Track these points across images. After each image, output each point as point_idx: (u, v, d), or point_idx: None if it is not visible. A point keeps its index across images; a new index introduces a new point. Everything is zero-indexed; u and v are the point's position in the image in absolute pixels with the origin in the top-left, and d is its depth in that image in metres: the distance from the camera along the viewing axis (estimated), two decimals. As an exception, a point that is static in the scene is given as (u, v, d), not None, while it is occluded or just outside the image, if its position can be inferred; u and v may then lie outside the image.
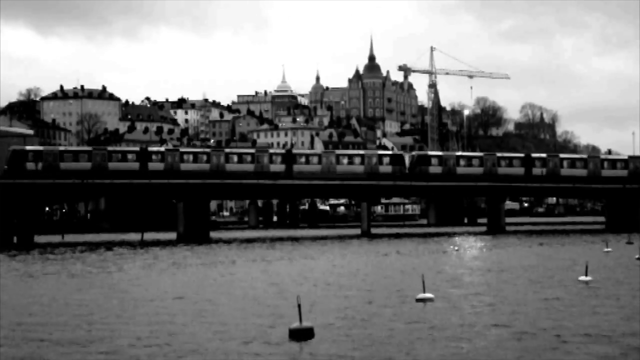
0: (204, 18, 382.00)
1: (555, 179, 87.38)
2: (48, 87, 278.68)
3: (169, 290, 32.11)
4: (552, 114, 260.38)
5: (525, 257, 48.39)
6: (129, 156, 77.89)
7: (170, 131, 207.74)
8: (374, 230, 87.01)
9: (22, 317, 24.63)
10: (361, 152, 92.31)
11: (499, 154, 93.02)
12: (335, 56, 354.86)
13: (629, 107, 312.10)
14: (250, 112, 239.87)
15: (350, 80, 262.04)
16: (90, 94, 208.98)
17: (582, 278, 33.15)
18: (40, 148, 78.57)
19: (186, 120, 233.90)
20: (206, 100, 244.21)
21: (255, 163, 79.84)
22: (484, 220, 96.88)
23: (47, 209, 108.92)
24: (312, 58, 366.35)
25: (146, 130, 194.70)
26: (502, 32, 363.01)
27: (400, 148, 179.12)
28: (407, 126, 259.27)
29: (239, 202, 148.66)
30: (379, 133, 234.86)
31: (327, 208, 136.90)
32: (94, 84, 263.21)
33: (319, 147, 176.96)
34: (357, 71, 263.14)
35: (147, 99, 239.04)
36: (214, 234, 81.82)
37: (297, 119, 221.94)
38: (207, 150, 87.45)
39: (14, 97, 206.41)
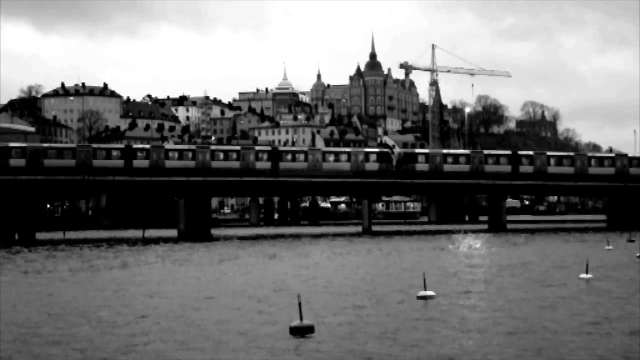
0: (205, 16, 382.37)
1: (543, 177, 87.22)
2: (49, 84, 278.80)
3: (170, 287, 32.14)
4: (553, 112, 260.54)
5: (526, 254, 48.39)
6: (114, 153, 77.53)
7: (172, 128, 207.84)
8: (375, 228, 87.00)
9: (21, 316, 24.68)
10: (347, 149, 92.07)
11: (485, 152, 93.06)
12: (336, 54, 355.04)
13: (629, 105, 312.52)
14: (251, 110, 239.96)
15: (351, 78, 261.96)
16: (91, 91, 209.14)
17: (583, 276, 33.17)
18: (24, 145, 78.16)
19: (187, 118, 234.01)
20: (207, 97, 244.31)
21: (241, 160, 79.64)
22: (485, 218, 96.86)
23: (48, 205, 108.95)
24: (313, 55, 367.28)
25: (147, 128, 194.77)
26: (503, 30, 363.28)
27: (401, 146, 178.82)
28: (408, 124, 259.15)
29: (240, 199, 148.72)
30: (380, 131, 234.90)
31: (328, 205, 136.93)
32: (95, 81, 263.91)
33: (320, 145, 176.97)
34: (358, 69, 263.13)
35: (149, 96, 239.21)
36: (215, 232, 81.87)
37: (298, 117, 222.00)
38: (193, 147, 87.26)
39: (15, 94, 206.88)
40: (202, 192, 76.75)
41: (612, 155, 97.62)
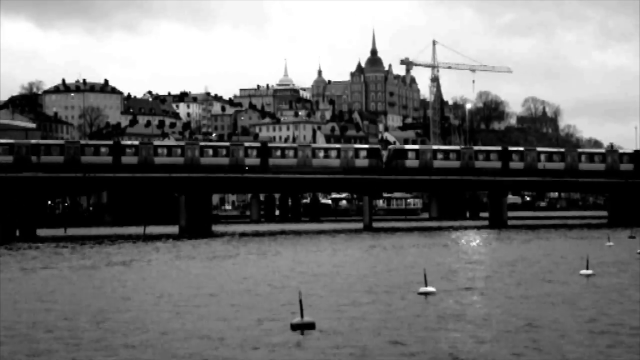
0: (204, 12, 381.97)
1: (533, 173, 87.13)
2: (49, 81, 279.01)
3: (170, 284, 32.17)
4: (554, 107, 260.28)
5: (527, 251, 48.42)
6: (102, 150, 77.39)
7: (172, 125, 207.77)
8: (375, 224, 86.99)
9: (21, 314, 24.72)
10: (337, 145, 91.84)
11: (476, 148, 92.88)
12: (337, 50, 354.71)
13: (630, 101, 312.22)
14: (252, 106, 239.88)
15: (352, 74, 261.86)
16: (92, 88, 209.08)
17: (583, 272, 33.20)
18: (12, 141, 77.95)
19: (188, 114, 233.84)
20: (208, 93, 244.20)
21: (230, 157, 79.50)
22: (486, 215, 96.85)
23: (49, 202, 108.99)
24: (314, 52, 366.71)
25: (148, 124, 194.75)
26: (503, 26, 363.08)
27: (402, 142, 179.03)
28: (409, 120, 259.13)
29: (241, 195, 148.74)
30: (381, 127, 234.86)
31: (329, 202, 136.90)
32: (95, 78, 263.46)
33: (320, 141, 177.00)
34: (359, 65, 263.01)
35: (149, 92, 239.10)
36: (215, 228, 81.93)
37: (299, 113, 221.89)
38: (182, 143, 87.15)
39: (15, 91, 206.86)
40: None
41: (603, 151, 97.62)
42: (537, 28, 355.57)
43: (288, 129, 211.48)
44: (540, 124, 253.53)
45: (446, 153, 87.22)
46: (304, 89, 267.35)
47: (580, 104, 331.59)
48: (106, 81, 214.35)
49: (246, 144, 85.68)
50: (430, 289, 27.46)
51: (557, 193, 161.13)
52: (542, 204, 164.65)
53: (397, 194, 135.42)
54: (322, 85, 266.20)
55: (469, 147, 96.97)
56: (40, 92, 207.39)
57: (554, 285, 29.70)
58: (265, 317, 22.67)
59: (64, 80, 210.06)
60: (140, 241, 63.77)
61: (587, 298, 26.06)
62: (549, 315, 22.46)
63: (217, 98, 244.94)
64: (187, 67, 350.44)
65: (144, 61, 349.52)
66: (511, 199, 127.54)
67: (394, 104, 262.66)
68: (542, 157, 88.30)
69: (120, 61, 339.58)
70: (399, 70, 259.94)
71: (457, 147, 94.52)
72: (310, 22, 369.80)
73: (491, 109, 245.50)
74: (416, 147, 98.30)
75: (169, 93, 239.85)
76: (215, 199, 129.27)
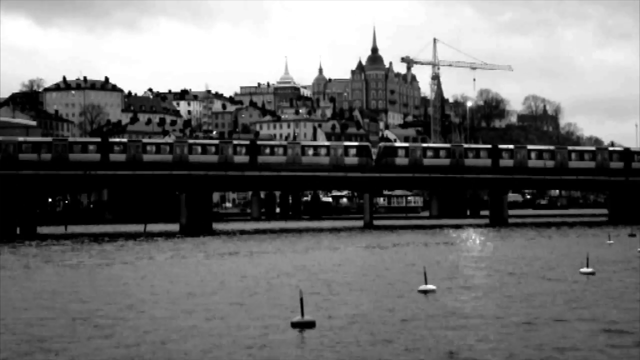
0: (205, 10, 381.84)
1: (523, 171, 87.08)
2: (49, 79, 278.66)
3: (171, 281, 32.19)
4: (555, 106, 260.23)
5: (527, 249, 48.43)
6: (90, 147, 77.15)
7: (173, 122, 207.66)
8: (376, 222, 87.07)
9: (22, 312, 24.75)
10: (327, 143, 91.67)
11: (465, 145, 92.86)
12: (337, 48, 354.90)
13: (630, 99, 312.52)
14: (252, 104, 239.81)
15: (353, 72, 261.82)
16: (92, 85, 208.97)
17: (584, 270, 33.21)
18: (0, 138, 77.70)
19: (189, 112, 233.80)
20: (209, 91, 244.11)
21: (219, 154, 79.37)
22: (486, 213, 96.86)
23: (49, 200, 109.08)
24: (314, 49, 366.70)
25: (149, 122, 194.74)
26: (503, 24, 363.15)
27: (403, 140, 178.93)
28: (409, 118, 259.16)
29: (242, 193, 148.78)
30: (381, 125, 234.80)
31: (330, 200, 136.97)
32: (95, 75, 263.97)
33: (321, 139, 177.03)
34: (359, 63, 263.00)
35: (150, 90, 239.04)
36: (216, 226, 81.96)
37: (300, 111, 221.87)
38: (170, 141, 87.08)
39: (16, 88, 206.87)
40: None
41: (593, 149, 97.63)
42: (537, 26, 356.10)
43: (289, 126, 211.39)
44: (540, 122, 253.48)
45: (436, 151, 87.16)
46: (304, 87, 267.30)
47: (580, 102, 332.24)
48: (107, 79, 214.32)
49: (235, 142, 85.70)
50: (430, 287, 27.47)
51: (557, 191, 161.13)
52: (543, 202, 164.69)
53: (397, 192, 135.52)
54: (322, 83, 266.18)
55: (459, 144, 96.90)
56: (40, 90, 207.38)
57: (554, 284, 29.70)
58: (266, 315, 22.68)
59: (64, 78, 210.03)
60: (141, 239, 63.79)
61: (587, 296, 26.07)
62: (549, 313, 22.47)
63: (218, 96, 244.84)
64: (187, 64, 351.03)
65: (144, 59, 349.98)
66: (512, 196, 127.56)
67: (395, 102, 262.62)
68: (533, 154, 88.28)
69: (120, 59, 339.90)
70: (400, 68, 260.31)
71: (447, 145, 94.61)
72: (311, 20, 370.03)
73: (492, 107, 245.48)
74: (406, 144, 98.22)
75: (170, 91, 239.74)
76: (216, 196, 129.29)
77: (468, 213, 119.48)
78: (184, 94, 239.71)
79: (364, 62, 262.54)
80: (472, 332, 19.71)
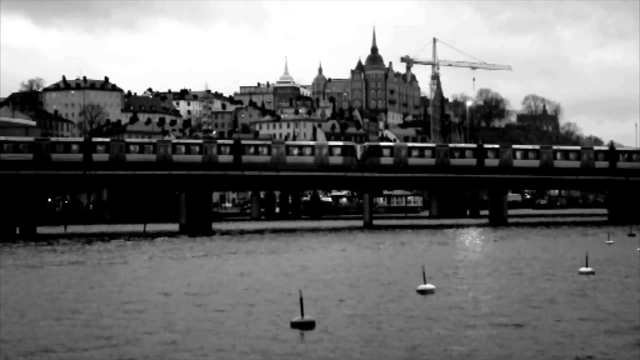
0: (203, 10, 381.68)
1: (508, 170, 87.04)
2: (48, 78, 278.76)
3: (171, 281, 32.20)
4: (554, 105, 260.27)
5: (527, 248, 48.44)
6: (73, 147, 76.88)
7: (173, 122, 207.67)
8: (376, 222, 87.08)
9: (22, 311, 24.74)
10: (311, 143, 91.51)
11: (451, 145, 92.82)
12: (337, 47, 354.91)
13: (629, 99, 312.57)
14: (252, 104, 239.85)
15: (352, 72, 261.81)
16: (92, 85, 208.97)
17: (583, 269, 33.21)
18: None
19: (188, 112, 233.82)
20: (208, 91, 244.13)
21: (203, 154, 79.19)
22: (486, 212, 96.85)
23: (49, 200, 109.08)
24: (314, 49, 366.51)
25: (148, 122, 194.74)
26: (502, 24, 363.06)
27: (402, 139, 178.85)
28: (409, 118, 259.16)
29: (241, 193, 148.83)
30: (381, 125, 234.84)
31: (330, 200, 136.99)
32: (95, 75, 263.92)
33: (321, 139, 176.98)
34: (359, 62, 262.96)
35: (150, 90, 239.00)
36: (216, 226, 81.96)
37: (300, 111, 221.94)
38: (154, 140, 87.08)
39: (16, 88, 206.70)
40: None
41: (578, 148, 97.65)
42: (536, 26, 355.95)
43: (288, 126, 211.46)
44: (540, 122, 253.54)
45: (421, 150, 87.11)
46: (304, 87, 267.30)
47: (580, 101, 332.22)
48: (106, 78, 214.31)
49: (219, 141, 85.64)
50: (429, 286, 27.48)
51: (557, 191, 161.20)
52: (542, 201, 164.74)
53: (397, 192, 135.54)
54: (322, 83, 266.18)
55: (444, 144, 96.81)
56: (40, 90, 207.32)
57: (553, 283, 29.71)
58: (265, 315, 22.69)
59: (64, 78, 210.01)
60: (141, 239, 63.80)
61: (587, 296, 26.07)
62: (549, 312, 22.47)
63: (218, 95, 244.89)
64: (187, 64, 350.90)
65: (143, 59, 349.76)
66: (511, 196, 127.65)
67: (394, 102, 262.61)
68: (518, 154, 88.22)
69: (120, 59, 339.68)
70: (400, 68, 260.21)
71: (432, 145, 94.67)
72: (311, 20, 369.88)
73: (491, 107, 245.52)
74: (391, 144, 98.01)
75: (169, 90, 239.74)
76: (216, 196, 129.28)
77: (468, 213, 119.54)
78: (183, 94, 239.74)
79: (363, 62, 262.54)
80: (470, 332, 19.71)
